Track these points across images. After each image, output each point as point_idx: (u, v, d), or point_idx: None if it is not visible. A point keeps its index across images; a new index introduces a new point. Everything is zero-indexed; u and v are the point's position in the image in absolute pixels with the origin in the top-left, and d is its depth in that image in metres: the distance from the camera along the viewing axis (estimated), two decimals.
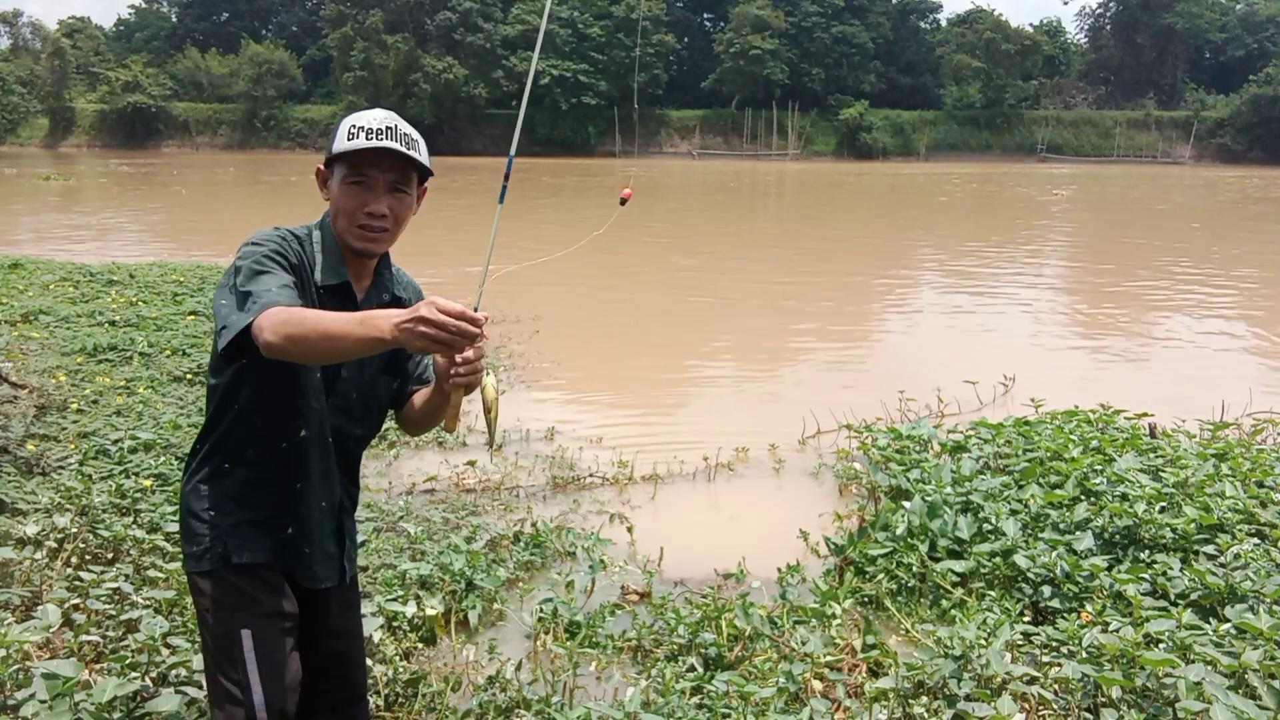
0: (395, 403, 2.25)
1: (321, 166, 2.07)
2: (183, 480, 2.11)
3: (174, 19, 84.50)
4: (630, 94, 68.06)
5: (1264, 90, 64.20)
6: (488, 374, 1.94)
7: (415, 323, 1.64)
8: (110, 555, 3.79)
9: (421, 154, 2.02)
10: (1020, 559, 3.74)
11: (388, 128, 1.98)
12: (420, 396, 2.20)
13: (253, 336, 1.77)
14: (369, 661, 2.96)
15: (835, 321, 11.44)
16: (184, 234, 20.35)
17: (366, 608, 3.33)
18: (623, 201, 2.66)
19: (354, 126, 1.98)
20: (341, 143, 1.97)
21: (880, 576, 3.97)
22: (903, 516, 4.28)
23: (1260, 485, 4.42)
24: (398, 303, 2.14)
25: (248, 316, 1.79)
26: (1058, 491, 4.35)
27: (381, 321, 1.68)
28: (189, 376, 6.58)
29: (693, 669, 3.27)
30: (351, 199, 1.99)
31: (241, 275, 1.88)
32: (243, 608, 1.99)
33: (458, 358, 1.83)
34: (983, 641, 3.07)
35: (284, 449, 2.03)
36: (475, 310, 1.77)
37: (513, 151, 2.26)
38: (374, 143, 1.94)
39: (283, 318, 1.76)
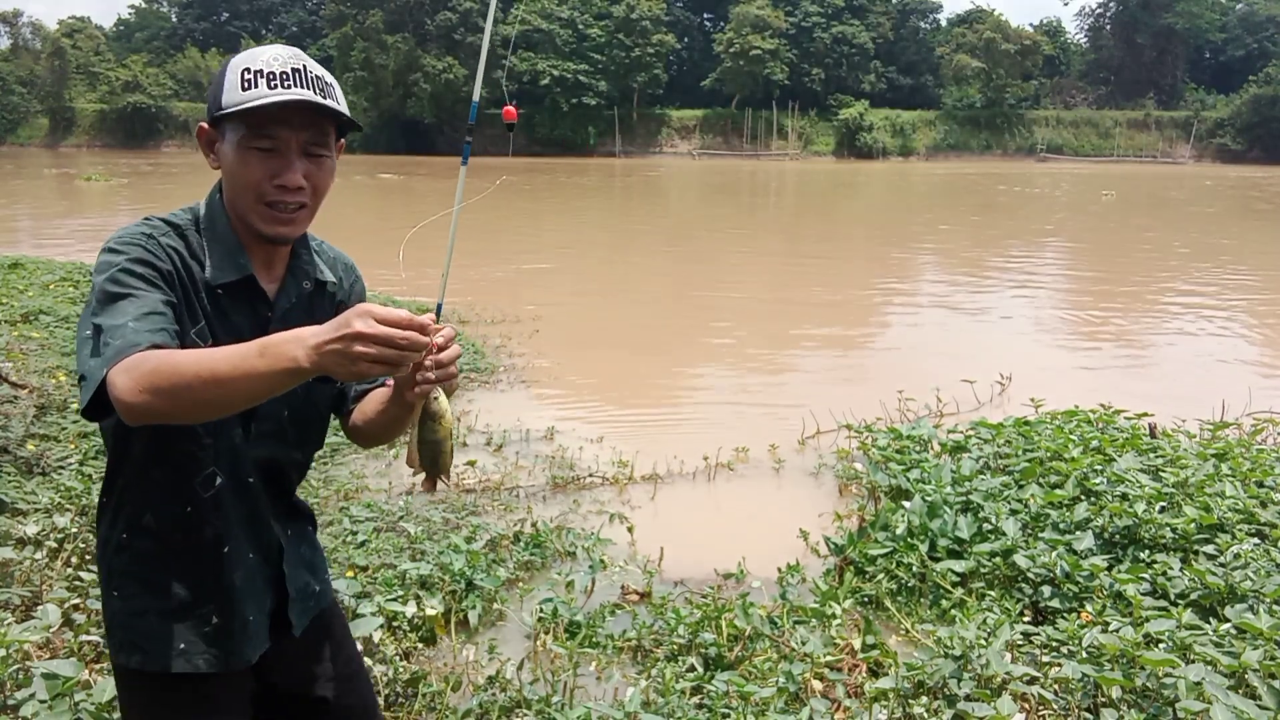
0: (337, 409, 1.80)
1: (205, 124, 1.57)
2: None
3: (174, 19, 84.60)
4: (630, 94, 68.09)
5: (1264, 90, 64.21)
6: (438, 397, 1.51)
7: (346, 341, 1.26)
8: None
9: (339, 100, 1.56)
10: (1020, 559, 3.74)
11: (294, 70, 1.50)
12: (374, 403, 1.73)
13: (110, 397, 1.33)
14: (368, 661, 2.95)
15: (836, 322, 11.44)
16: None
17: (366, 608, 3.33)
18: (510, 127, 2.47)
19: (249, 70, 1.49)
20: (234, 94, 1.49)
21: (880, 576, 3.97)
22: (903, 516, 4.28)
23: (1260, 485, 4.42)
24: (321, 290, 1.71)
25: (101, 366, 1.34)
26: (1058, 491, 4.35)
27: (293, 347, 1.28)
28: None
29: (693, 669, 3.27)
30: (255, 169, 1.52)
31: (93, 303, 1.43)
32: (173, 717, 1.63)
33: (427, 360, 1.41)
34: (983, 641, 3.07)
35: (189, 512, 1.59)
36: (438, 310, 1.49)
37: (472, 119, 1.86)
38: (281, 94, 1.47)
39: (146, 367, 1.31)
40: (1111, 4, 76.21)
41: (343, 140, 1.65)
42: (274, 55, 1.51)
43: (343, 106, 1.56)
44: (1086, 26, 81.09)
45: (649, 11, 67.16)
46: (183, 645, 1.60)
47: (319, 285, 1.71)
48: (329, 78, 1.57)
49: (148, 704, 1.64)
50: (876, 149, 66.01)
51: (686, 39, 74.90)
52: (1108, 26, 77.16)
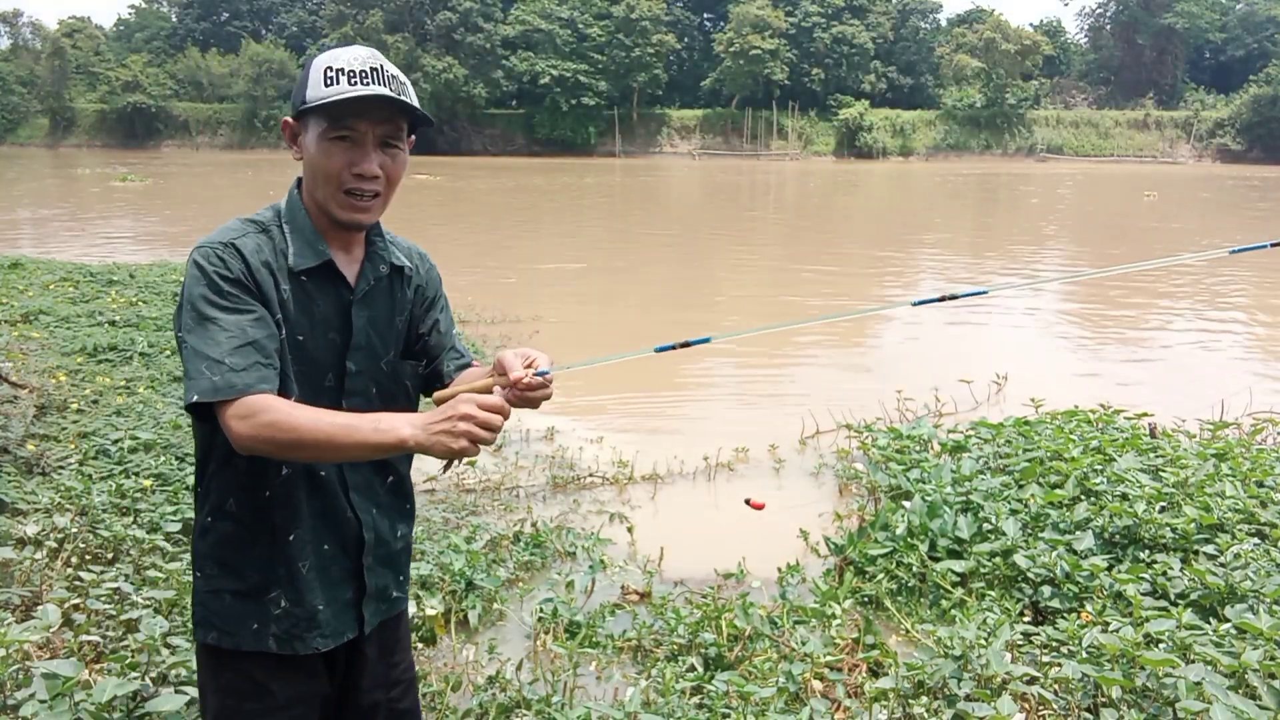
0: (427, 386, 1.90)
1: (290, 119, 1.71)
2: None
3: (174, 19, 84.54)
4: (630, 94, 68.09)
5: (1264, 90, 64.18)
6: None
7: (454, 421, 1.45)
8: (110, 555, 3.79)
9: (412, 97, 1.70)
10: (1020, 559, 3.74)
11: (373, 69, 1.63)
12: (473, 376, 1.83)
13: (221, 423, 1.53)
14: None
15: (836, 322, 11.43)
16: None
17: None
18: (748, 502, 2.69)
19: (331, 69, 1.62)
20: (318, 89, 1.62)
21: (880, 576, 3.97)
22: (903, 516, 4.28)
23: (1260, 485, 4.42)
24: (399, 275, 1.83)
25: (210, 388, 1.52)
26: (1058, 491, 4.35)
27: (404, 427, 1.47)
28: None
29: (693, 669, 3.27)
30: (335, 158, 1.65)
31: (190, 317, 1.58)
32: (250, 698, 1.71)
33: (524, 387, 1.58)
34: (983, 641, 3.07)
35: (266, 497, 1.69)
36: (547, 372, 1.60)
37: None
38: (360, 90, 1.60)
39: (264, 419, 1.49)
40: (1111, 4, 76.19)
41: (413, 136, 1.77)
42: (354, 55, 1.64)
43: (415, 103, 1.69)
44: (1086, 26, 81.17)
45: (649, 11, 67.13)
46: (255, 625, 1.70)
47: (395, 270, 1.82)
48: (403, 77, 1.69)
49: (221, 679, 1.73)
50: (876, 149, 65.98)
51: (686, 39, 74.83)
52: (1108, 26, 77.15)
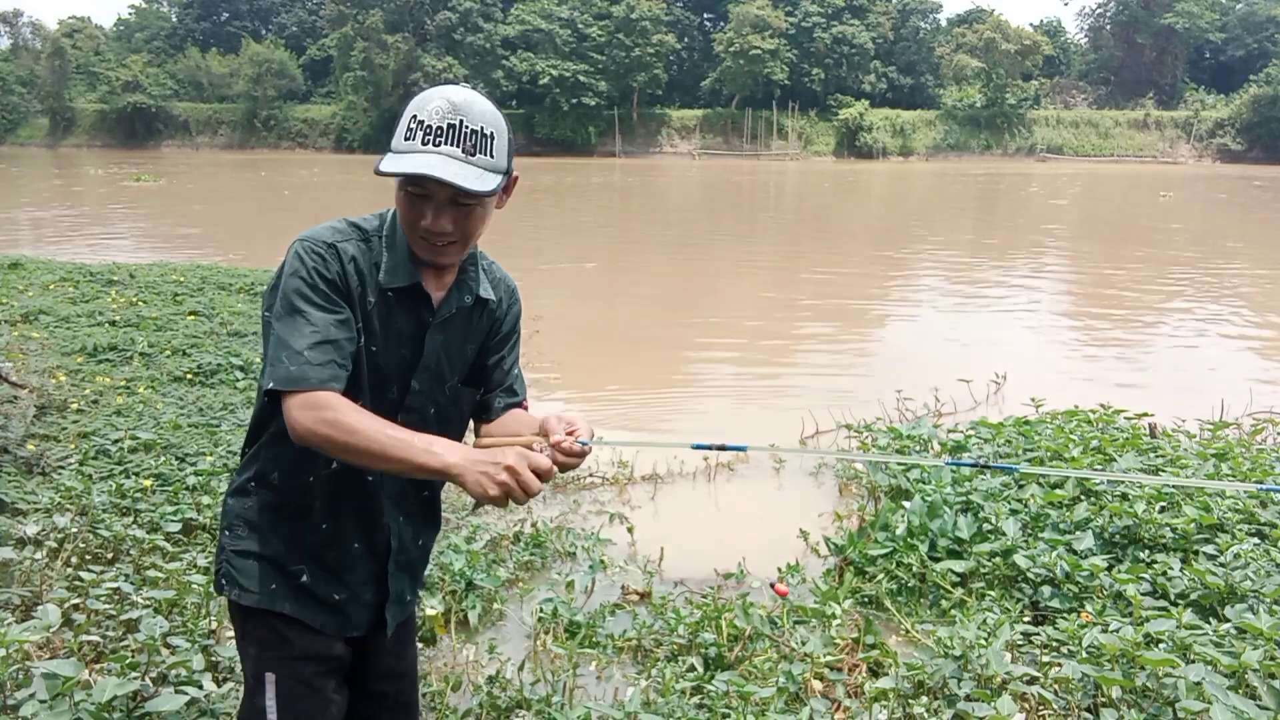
0: (477, 416, 1.96)
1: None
2: None
3: (174, 19, 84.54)
4: (630, 94, 68.09)
5: (1264, 90, 64.17)
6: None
7: (499, 468, 1.50)
8: (110, 555, 3.79)
9: (493, 154, 1.65)
10: (1020, 559, 3.74)
11: (450, 125, 1.60)
12: (522, 422, 1.86)
13: (284, 409, 1.60)
14: None
15: (836, 322, 11.44)
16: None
17: None
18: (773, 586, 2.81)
19: (415, 119, 1.62)
20: (399, 140, 1.63)
21: (880, 576, 3.97)
22: (903, 516, 4.28)
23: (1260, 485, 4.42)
24: (481, 306, 1.86)
25: (285, 377, 1.59)
26: (1058, 491, 4.35)
27: (452, 455, 1.53)
28: (189, 376, 6.58)
29: (693, 669, 3.27)
30: (407, 209, 1.68)
31: (281, 305, 1.66)
32: (270, 647, 1.80)
33: (563, 451, 1.64)
34: (983, 641, 3.07)
35: (310, 483, 1.78)
36: (587, 444, 1.64)
37: None
38: (417, 160, 1.58)
39: (328, 415, 1.56)
40: (1111, 4, 76.17)
41: (510, 180, 1.74)
42: (437, 107, 1.61)
43: (497, 159, 1.65)
44: (1086, 26, 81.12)
45: (649, 11, 67.12)
46: (274, 586, 1.79)
47: (479, 301, 1.85)
48: (491, 129, 1.65)
49: (247, 627, 1.83)
50: (876, 149, 65.98)
51: (686, 39, 74.83)
52: (1108, 26, 77.11)
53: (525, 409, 1.98)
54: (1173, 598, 3.48)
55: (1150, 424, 5.60)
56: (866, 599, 3.89)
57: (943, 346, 9.98)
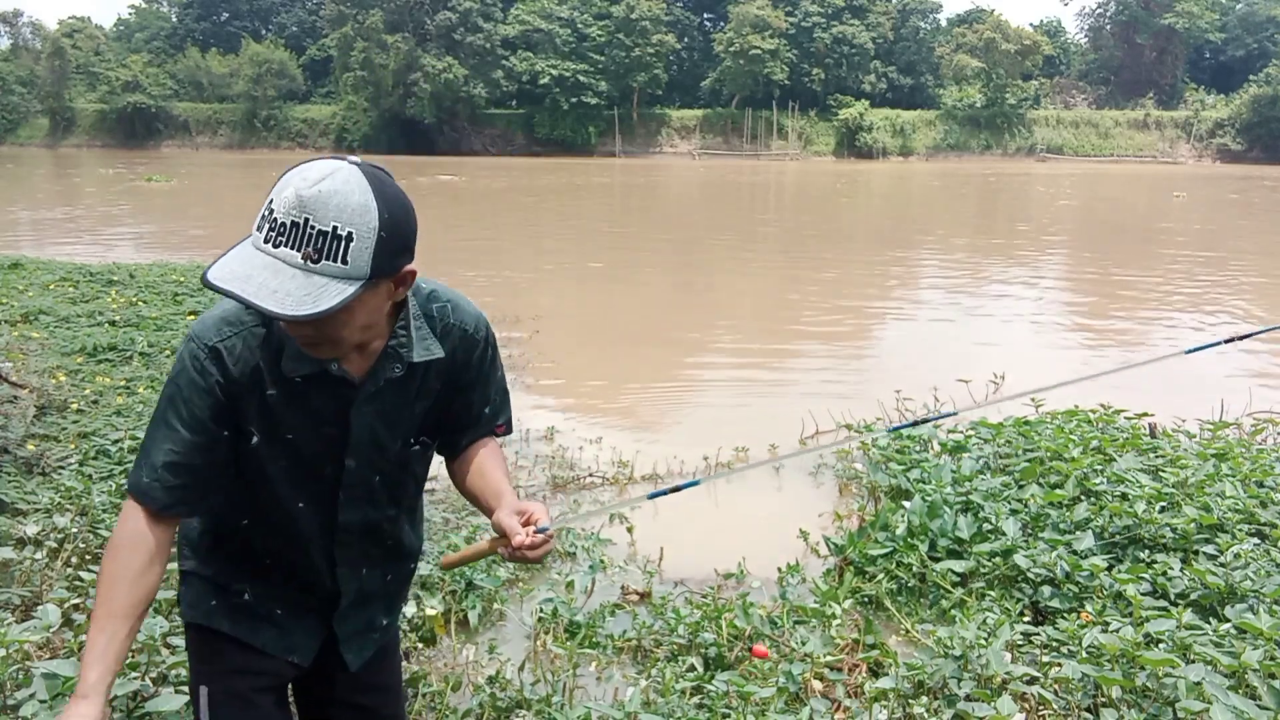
0: (443, 451, 1.81)
1: None
2: None
3: (174, 19, 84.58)
4: (630, 94, 68.09)
5: (1264, 90, 64.18)
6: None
7: None
8: None
9: (347, 259, 1.34)
10: (1020, 559, 3.74)
11: (292, 223, 1.33)
12: (484, 479, 1.71)
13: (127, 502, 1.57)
14: None
15: (836, 322, 11.44)
16: None
17: None
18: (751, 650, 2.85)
19: (270, 204, 1.36)
20: (256, 220, 1.39)
21: (880, 576, 3.97)
22: (903, 516, 4.28)
23: (1260, 485, 4.42)
24: (412, 374, 1.62)
25: (135, 485, 1.56)
26: (1058, 491, 4.35)
27: (81, 703, 1.41)
28: None
29: (693, 669, 3.27)
30: None
31: (160, 402, 1.58)
32: (205, 660, 1.75)
33: (526, 546, 1.55)
34: (983, 641, 3.07)
35: (245, 525, 1.71)
36: (548, 529, 1.57)
37: None
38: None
39: (114, 546, 1.53)
40: (1111, 4, 76.18)
41: (405, 270, 1.45)
42: (286, 197, 1.33)
43: (352, 265, 1.34)
44: (1086, 26, 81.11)
45: (649, 11, 67.13)
46: (213, 603, 1.74)
47: (410, 368, 1.61)
48: (348, 228, 1.33)
49: (188, 641, 1.80)
50: (876, 149, 65.99)
51: (686, 39, 74.84)
52: (1108, 26, 77.12)
53: (501, 432, 1.82)
54: (1173, 598, 3.48)
55: (1150, 424, 5.60)
56: (866, 599, 3.89)
57: (942, 347, 9.97)
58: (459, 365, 1.69)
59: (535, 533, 1.56)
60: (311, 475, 1.64)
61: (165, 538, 1.58)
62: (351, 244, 1.34)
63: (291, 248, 1.33)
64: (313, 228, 1.33)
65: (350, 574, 1.75)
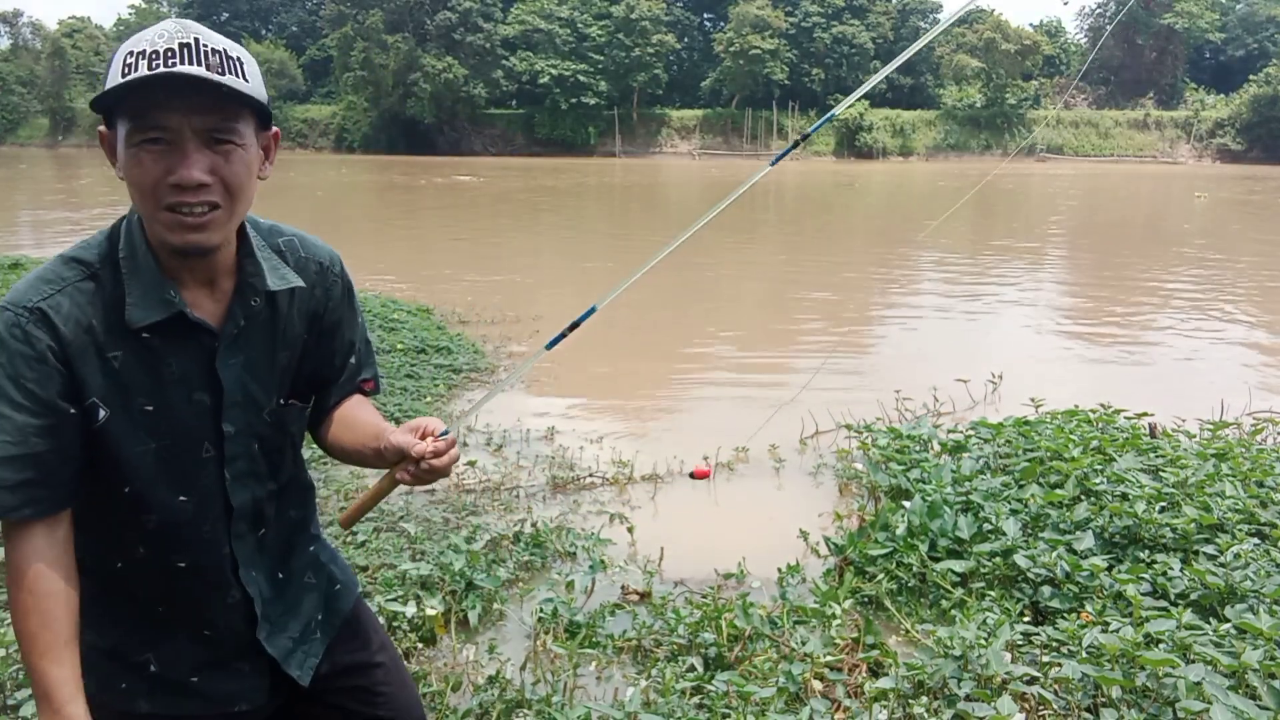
0: (313, 419, 1.64)
1: (103, 129, 1.35)
2: None
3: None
4: (630, 94, 68.11)
5: (1264, 90, 64.18)
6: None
7: None
8: None
9: (247, 78, 1.30)
10: (1020, 559, 3.74)
11: (182, 45, 1.24)
12: (357, 428, 1.57)
13: None
14: None
15: (836, 322, 11.43)
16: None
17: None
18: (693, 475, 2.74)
19: (131, 54, 1.25)
20: (114, 79, 1.25)
21: (880, 576, 3.97)
22: (903, 516, 4.28)
23: (1260, 485, 4.42)
24: (285, 300, 1.49)
25: None
26: (1058, 491, 4.35)
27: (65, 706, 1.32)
28: None
29: (693, 669, 3.27)
30: (147, 168, 1.28)
31: None
32: None
33: (431, 455, 1.40)
34: (983, 641, 3.07)
35: (120, 569, 1.46)
36: (448, 432, 1.43)
37: None
38: (165, 68, 1.22)
39: (20, 583, 1.32)
40: (1111, 4, 76.20)
41: (273, 130, 1.40)
42: (160, 32, 1.26)
43: (250, 86, 1.29)
44: (1086, 27, 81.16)
45: (649, 11, 67.15)
46: (124, 685, 1.50)
47: (276, 296, 1.47)
48: (236, 51, 1.31)
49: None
50: (876, 149, 65.99)
51: (686, 39, 74.85)
52: (1108, 26, 77.12)
53: (369, 389, 1.68)
54: (1173, 598, 3.48)
55: (1150, 424, 5.60)
56: (866, 599, 3.89)
57: (941, 346, 9.97)
58: (318, 304, 1.56)
59: (438, 438, 1.42)
60: (189, 456, 1.42)
61: (63, 545, 1.37)
62: (245, 65, 1.31)
63: (191, 64, 1.24)
64: (205, 45, 1.27)
65: (255, 573, 1.54)
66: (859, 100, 66.82)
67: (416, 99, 65.20)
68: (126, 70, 1.24)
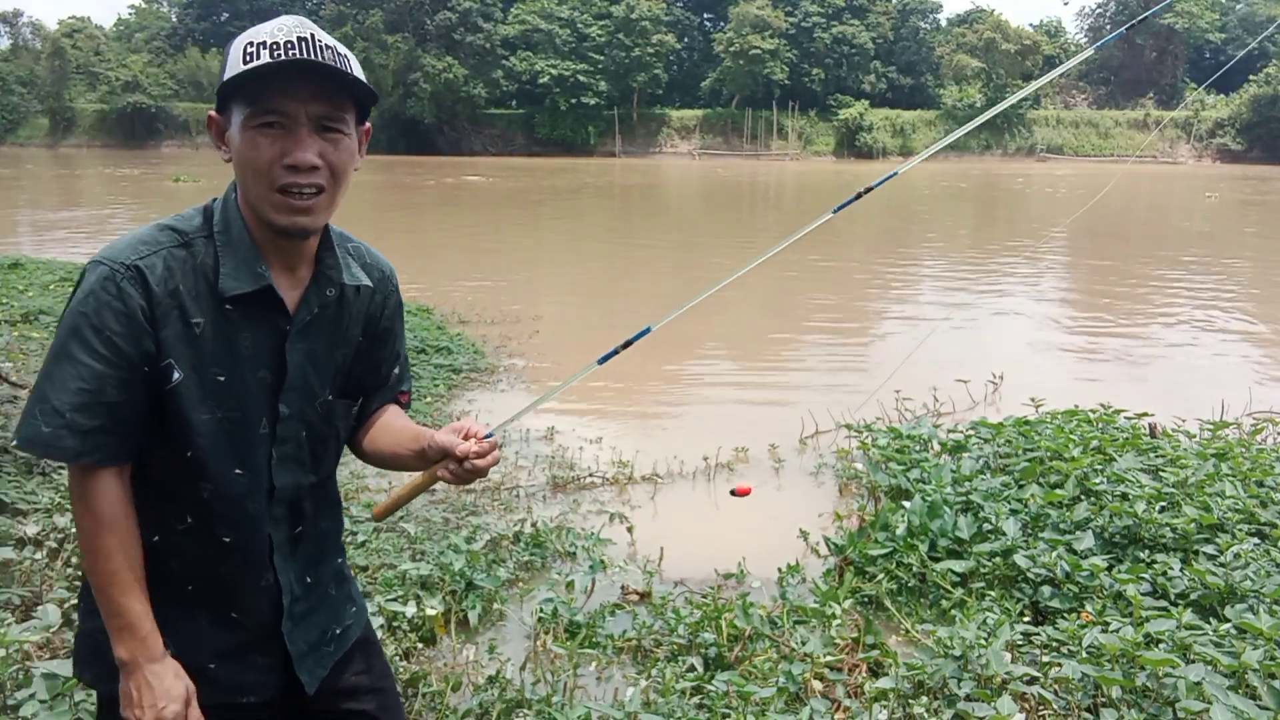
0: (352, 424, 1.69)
1: (213, 113, 1.46)
2: None
3: (174, 19, 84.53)
4: (630, 94, 68.11)
5: (1264, 90, 64.21)
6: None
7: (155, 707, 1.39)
8: None
9: (356, 70, 1.40)
10: (1020, 559, 3.74)
11: (300, 39, 1.34)
12: (396, 431, 1.64)
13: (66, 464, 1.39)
14: None
15: (836, 322, 11.43)
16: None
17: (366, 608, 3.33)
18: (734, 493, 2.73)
19: (251, 44, 1.35)
20: (236, 67, 1.34)
21: (880, 576, 3.97)
22: (903, 516, 4.28)
23: (1260, 485, 4.42)
24: (352, 297, 1.57)
25: (32, 438, 1.37)
26: (1058, 491, 4.35)
27: (135, 654, 1.40)
28: None
29: (693, 669, 3.27)
30: (262, 150, 1.37)
31: (57, 340, 1.39)
32: None
33: (475, 455, 1.48)
34: (983, 641, 3.07)
35: (157, 544, 1.47)
36: (492, 435, 1.51)
37: None
38: (286, 57, 1.32)
39: (89, 524, 1.39)
40: (1111, 4, 76.19)
41: (367, 124, 1.50)
42: (279, 25, 1.36)
43: (360, 76, 1.40)
44: (1086, 27, 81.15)
45: (649, 11, 67.16)
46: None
47: (348, 291, 1.56)
48: (344, 49, 1.40)
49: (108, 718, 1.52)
50: (876, 149, 65.99)
51: (686, 39, 74.87)
52: (1108, 26, 77.12)
53: (405, 401, 1.76)
54: (1173, 598, 3.48)
55: (1150, 424, 5.60)
56: (866, 599, 3.89)
57: (941, 346, 9.96)
58: (379, 307, 1.65)
59: (482, 440, 1.49)
60: (249, 430, 1.47)
61: (130, 494, 1.44)
62: (352, 62, 1.41)
63: (310, 56, 1.34)
64: (320, 40, 1.36)
65: (287, 560, 1.57)
66: (859, 100, 67.12)
67: (416, 99, 65.20)
68: (248, 58, 1.34)
